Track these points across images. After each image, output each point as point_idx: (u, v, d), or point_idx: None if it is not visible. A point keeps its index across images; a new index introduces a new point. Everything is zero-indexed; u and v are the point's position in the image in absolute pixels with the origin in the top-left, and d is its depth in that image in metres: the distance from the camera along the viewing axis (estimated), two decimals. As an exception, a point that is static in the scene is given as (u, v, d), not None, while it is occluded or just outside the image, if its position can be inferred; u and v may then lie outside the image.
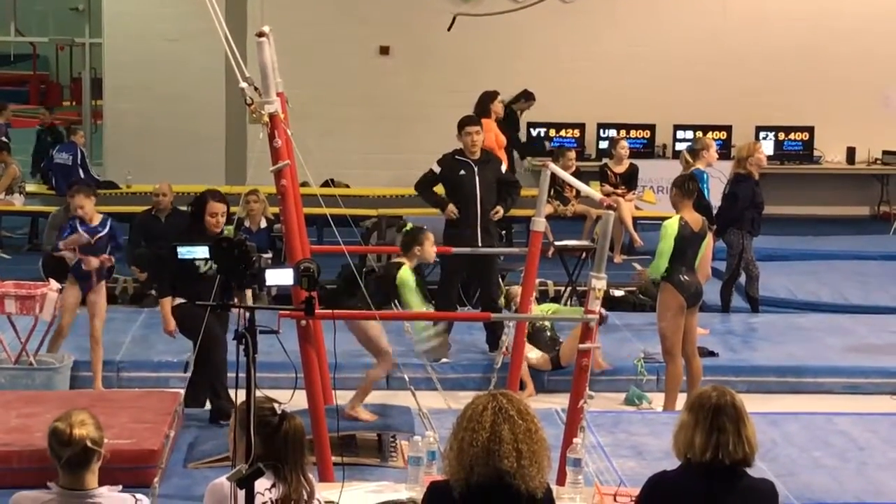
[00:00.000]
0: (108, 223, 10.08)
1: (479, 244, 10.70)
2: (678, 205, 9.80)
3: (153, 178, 14.64)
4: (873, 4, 19.30)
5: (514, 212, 12.01)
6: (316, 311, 5.80)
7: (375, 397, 9.52)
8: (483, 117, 12.60)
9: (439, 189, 11.14)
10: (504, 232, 14.20)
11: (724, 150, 17.26)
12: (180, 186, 15.59)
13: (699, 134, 16.79)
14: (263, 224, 12.99)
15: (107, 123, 19.71)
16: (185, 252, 4.82)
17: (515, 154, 17.38)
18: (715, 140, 16.17)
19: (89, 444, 4.69)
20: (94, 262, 9.90)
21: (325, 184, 15.97)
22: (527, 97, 17.81)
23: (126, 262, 12.89)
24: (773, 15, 19.17)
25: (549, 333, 10.77)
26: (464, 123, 11.04)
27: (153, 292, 12.00)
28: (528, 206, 11.13)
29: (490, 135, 13.09)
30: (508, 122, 16.26)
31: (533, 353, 10.43)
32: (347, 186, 17.54)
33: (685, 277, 9.64)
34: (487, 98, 14.33)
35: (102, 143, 20.16)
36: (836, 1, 19.34)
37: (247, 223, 12.85)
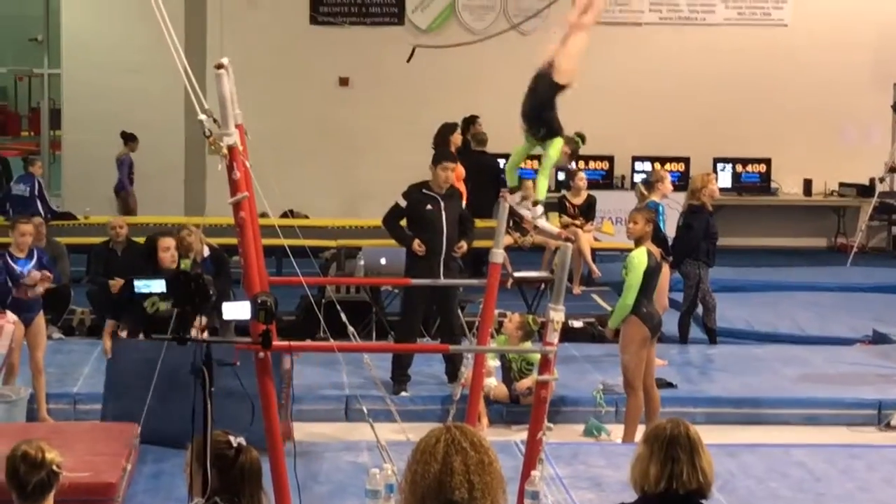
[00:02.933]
0: (35, 252, 10.15)
1: (441, 277, 10.68)
2: (643, 237, 9.85)
3: (112, 209, 14.60)
4: (828, 37, 19.50)
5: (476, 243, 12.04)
6: (273, 343, 5.78)
7: (335, 430, 9.53)
8: (443, 149, 12.64)
9: (404, 222, 11.11)
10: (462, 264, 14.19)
11: (683, 182, 17.35)
12: (140, 218, 15.57)
13: (657, 166, 16.89)
14: (206, 253, 12.87)
15: (65, 154, 19.69)
16: (141, 286, 4.82)
17: None
18: (673, 172, 16.31)
19: (55, 468, 4.63)
20: (36, 285, 9.94)
21: (285, 215, 15.94)
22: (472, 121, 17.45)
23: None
24: (730, 48, 19.34)
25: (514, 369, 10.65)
26: (442, 157, 11.02)
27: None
28: (488, 237, 11.17)
29: (451, 167, 13.11)
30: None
31: (491, 381, 10.39)
32: (307, 217, 17.53)
33: (647, 309, 9.69)
34: (447, 130, 14.36)
35: (61, 173, 20.11)
36: (792, 35, 19.55)
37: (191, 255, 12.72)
